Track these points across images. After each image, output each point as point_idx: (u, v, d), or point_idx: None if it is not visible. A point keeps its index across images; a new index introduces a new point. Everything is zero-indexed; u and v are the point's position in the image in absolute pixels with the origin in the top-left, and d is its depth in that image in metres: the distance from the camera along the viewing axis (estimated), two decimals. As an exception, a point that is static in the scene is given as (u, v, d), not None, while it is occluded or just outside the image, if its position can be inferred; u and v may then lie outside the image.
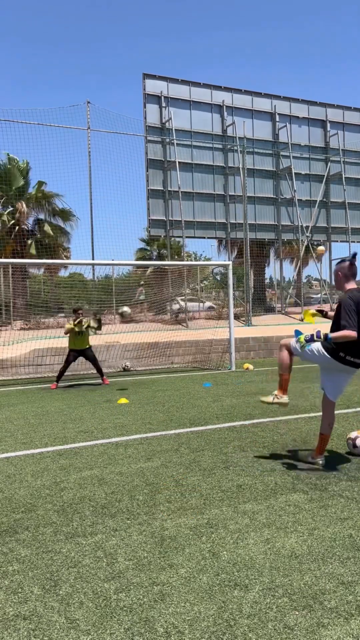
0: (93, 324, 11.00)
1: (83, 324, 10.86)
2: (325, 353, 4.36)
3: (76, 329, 10.79)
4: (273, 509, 3.54)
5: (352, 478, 4.19)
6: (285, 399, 4.62)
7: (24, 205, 23.09)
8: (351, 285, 4.45)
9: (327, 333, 4.32)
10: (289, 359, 4.63)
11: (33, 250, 22.58)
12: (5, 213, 22.62)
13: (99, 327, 11.04)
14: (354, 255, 4.56)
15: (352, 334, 4.14)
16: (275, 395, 4.63)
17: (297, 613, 2.31)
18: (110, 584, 2.63)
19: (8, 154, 22.90)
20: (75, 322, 10.78)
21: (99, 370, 11.20)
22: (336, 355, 4.33)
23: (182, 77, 21.73)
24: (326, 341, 4.29)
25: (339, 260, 4.64)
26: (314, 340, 4.37)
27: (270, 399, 4.65)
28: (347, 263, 4.46)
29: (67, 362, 10.96)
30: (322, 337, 4.31)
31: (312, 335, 4.36)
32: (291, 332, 5.66)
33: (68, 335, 10.96)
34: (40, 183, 23.55)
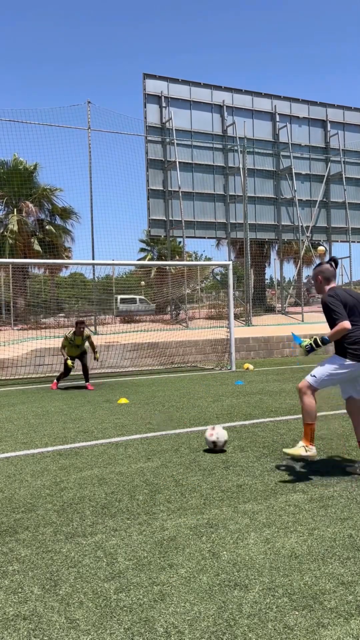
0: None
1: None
2: (344, 363, 4.14)
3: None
4: (273, 509, 3.54)
5: (352, 478, 4.19)
6: (314, 450, 4.19)
7: (29, 205, 23.15)
8: (331, 286, 4.42)
9: (323, 336, 4.27)
10: (315, 404, 4.23)
11: (37, 248, 22.65)
12: (15, 215, 22.70)
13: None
14: (332, 258, 4.60)
15: (346, 324, 4.07)
16: (304, 447, 4.17)
17: (297, 613, 2.31)
18: (110, 584, 2.63)
19: (15, 155, 22.96)
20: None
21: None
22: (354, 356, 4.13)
23: (182, 77, 21.73)
24: (323, 344, 4.26)
25: (316, 264, 4.62)
26: (314, 350, 4.28)
27: (299, 451, 4.17)
28: (325, 266, 4.46)
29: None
30: (320, 342, 4.26)
31: (311, 345, 4.28)
32: (291, 332, 5.65)
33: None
34: (44, 189, 23.66)
